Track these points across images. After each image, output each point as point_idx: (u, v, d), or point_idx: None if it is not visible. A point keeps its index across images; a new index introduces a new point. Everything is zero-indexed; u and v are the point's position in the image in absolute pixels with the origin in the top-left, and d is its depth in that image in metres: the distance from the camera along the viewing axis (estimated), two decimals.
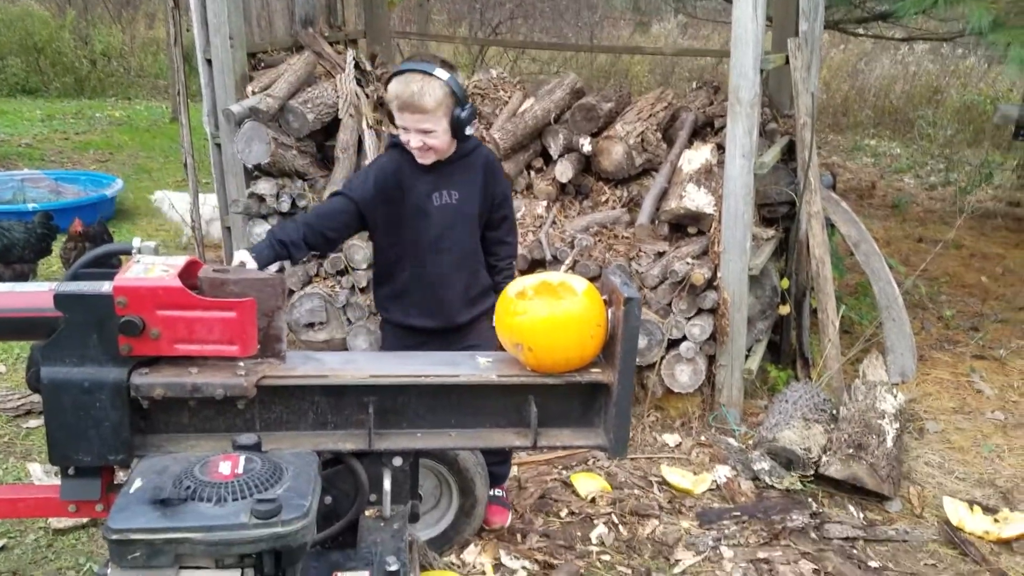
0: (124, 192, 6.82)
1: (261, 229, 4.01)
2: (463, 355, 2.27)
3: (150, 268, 2.00)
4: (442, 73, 2.42)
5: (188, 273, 2.08)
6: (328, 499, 2.15)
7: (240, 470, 1.74)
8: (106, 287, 1.93)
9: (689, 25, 13.40)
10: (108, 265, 2.16)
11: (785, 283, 3.94)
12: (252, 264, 2.31)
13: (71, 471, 2.01)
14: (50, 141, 9.08)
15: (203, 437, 2.07)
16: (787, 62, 3.85)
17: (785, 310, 3.93)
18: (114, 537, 1.57)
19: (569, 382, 2.11)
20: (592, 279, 3.60)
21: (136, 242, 2.17)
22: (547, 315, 2.06)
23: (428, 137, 2.46)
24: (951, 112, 10.58)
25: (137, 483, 1.75)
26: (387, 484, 2.13)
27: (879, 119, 11.57)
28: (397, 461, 2.15)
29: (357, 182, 2.61)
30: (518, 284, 2.19)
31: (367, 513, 2.20)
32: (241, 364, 1.96)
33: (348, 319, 3.93)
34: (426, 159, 2.53)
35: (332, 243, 2.60)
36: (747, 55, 3.30)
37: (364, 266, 3.87)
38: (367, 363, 2.14)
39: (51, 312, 1.91)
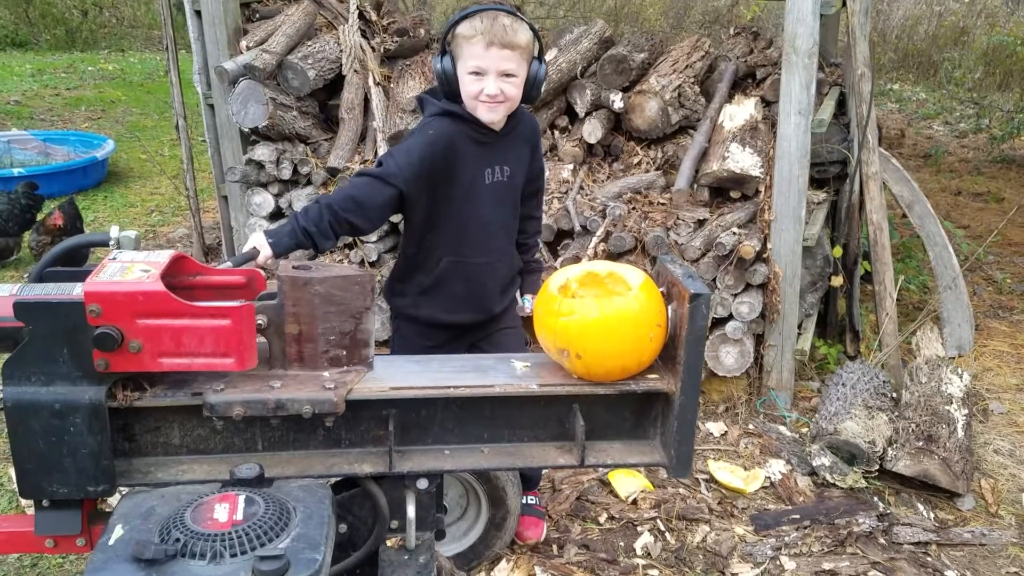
0: (116, 153, 6.47)
1: (260, 199, 3.67)
2: (495, 359, 1.97)
3: (128, 268, 1.70)
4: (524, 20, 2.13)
5: (174, 271, 1.79)
6: (343, 527, 1.89)
7: (239, 515, 1.46)
8: (77, 292, 1.64)
9: None
10: (81, 258, 1.86)
11: (838, 251, 3.58)
12: (267, 251, 2.02)
13: (46, 503, 1.75)
14: (40, 97, 8.69)
15: (197, 460, 1.81)
16: (844, 5, 3.45)
17: (839, 282, 3.58)
18: None
19: (622, 391, 1.82)
20: (627, 252, 3.30)
21: (114, 232, 1.87)
22: (598, 316, 1.76)
23: (508, 82, 2.09)
24: (978, 54, 10.10)
25: (118, 532, 1.48)
26: (411, 511, 1.86)
27: (902, 62, 11.10)
28: (422, 483, 1.87)
29: (398, 161, 2.14)
30: (560, 277, 1.89)
31: (388, 543, 1.92)
32: (327, 375, 1.72)
33: None
34: (496, 113, 2.14)
35: (361, 233, 2.26)
36: None
37: (374, 239, 3.54)
38: (385, 371, 1.85)
39: (11, 322, 1.62)
